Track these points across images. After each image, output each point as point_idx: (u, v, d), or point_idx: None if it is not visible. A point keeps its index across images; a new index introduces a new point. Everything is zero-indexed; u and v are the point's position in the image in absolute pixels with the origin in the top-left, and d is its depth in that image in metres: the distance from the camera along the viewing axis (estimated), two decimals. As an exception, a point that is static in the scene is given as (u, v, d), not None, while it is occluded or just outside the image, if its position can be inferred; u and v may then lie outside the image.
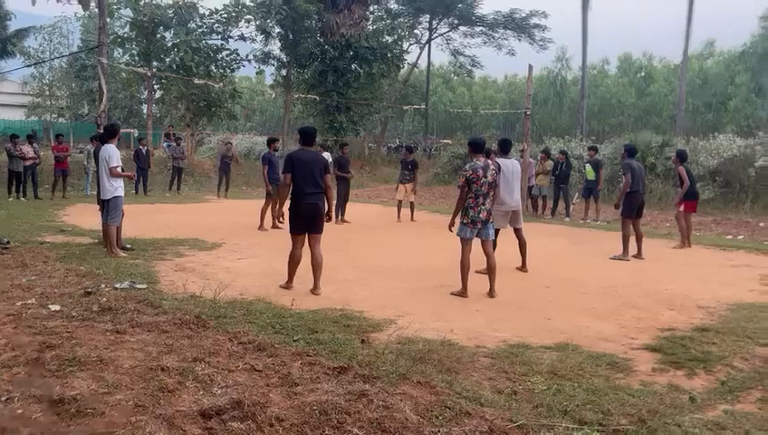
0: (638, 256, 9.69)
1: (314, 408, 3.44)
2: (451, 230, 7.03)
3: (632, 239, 9.70)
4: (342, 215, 13.44)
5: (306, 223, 6.59)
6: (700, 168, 18.57)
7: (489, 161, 6.97)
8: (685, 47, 32.03)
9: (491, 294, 6.82)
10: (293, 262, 6.74)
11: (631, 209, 9.76)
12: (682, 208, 10.97)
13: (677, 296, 6.95)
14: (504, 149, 8.24)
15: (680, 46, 32.40)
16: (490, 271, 6.93)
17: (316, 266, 6.68)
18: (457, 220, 6.92)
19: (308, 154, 6.66)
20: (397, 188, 14.41)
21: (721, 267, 9.17)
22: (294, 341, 4.75)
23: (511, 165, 8.10)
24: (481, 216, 6.73)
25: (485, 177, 6.68)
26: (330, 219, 6.79)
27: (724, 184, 17.99)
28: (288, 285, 6.76)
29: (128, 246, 8.79)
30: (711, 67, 52.53)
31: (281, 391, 3.71)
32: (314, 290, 6.63)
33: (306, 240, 6.70)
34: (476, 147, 6.91)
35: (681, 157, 10.99)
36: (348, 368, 4.13)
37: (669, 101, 48.39)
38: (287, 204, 6.87)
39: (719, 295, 7.01)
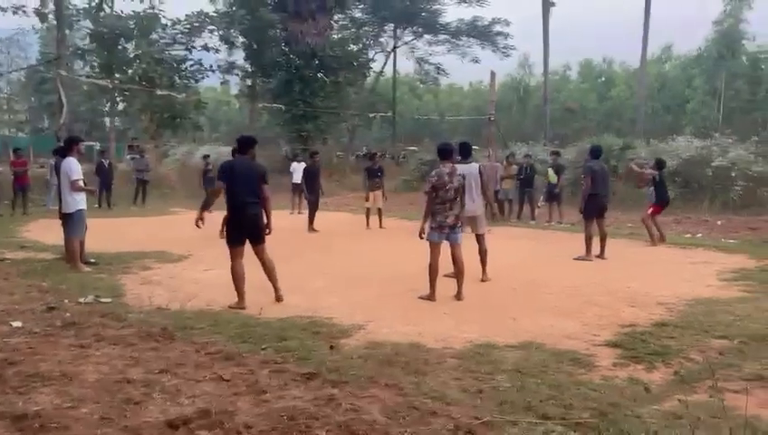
0: (601, 255, 9.90)
1: (282, 414, 3.47)
2: (421, 238, 6.99)
3: (595, 239, 9.91)
4: (311, 223, 13.46)
5: (248, 234, 6.38)
6: (660, 169, 19.07)
7: (455, 167, 6.97)
8: (643, 52, 32.87)
9: (458, 296, 6.88)
10: (237, 277, 6.31)
11: (593, 211, 9.91)
12: (650, 211, 11.75)
13: (638, 293, 7.15)
14: (465, 153, 7.92)
15: (639, 51, 33.26)
16: (458, 274, 6.98)
17: (270, 273, 6.57)
18: (426, 226, 6.94)
19: (244, 163, 6.46)
20: (367, 197, 14.26)
21: (680, 265, 9.44)
22: (262, 349, 4.75)
23: (471, 169, 7.84)
24: (448, 220, 6.78)
25: (452, 182, 6.75)
26: (269, 232, 6.56)
27: (684, 184, 18.51)
28: (240, 305, 6.28)
29: (92, 260, 8.65)
30: (669, 71, 54.05)
31: (249, 399, 3.72)
32: (277, 295, 6.57)
33: (254, 252, 6.49)
34: (443, 153, 6.94)
35: (659, 165, 12.04)
36: (316, 374, 4.16)
37: (630, 104, 49.53)
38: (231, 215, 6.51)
39: (678, 292, 7.22)
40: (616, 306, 6.53)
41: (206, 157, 19.70)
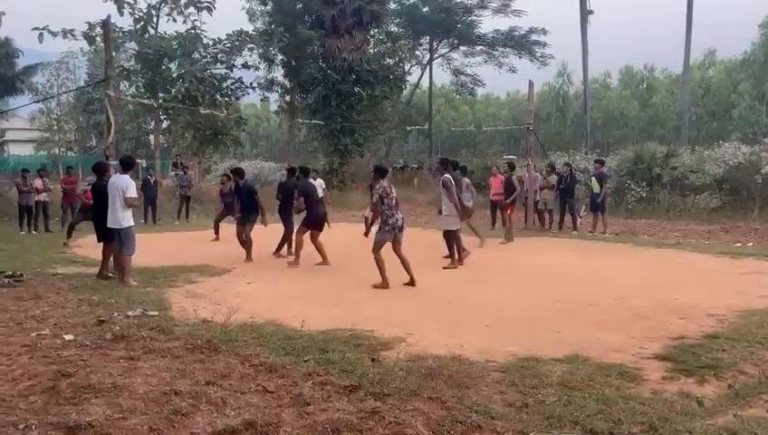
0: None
1: (326, 426, 3.48)
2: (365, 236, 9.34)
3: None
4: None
5: None
6: (706, 176, 18.59)
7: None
8: (685, 57, 32.14)
9: (412, 283, 8.34)
10: None
11: (314, 225, 10.50)
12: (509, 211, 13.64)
13: (687, 305, 6.95)
14: (380, 174, 8.89)
15: (681, 56, 32.50)
16: (407, 266, 8.44)
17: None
18: (375, 229, 8.71)
19: None
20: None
21: (730, 275, 9.14)
22: (305, 361, 4.79)
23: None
24: (399, 223, 8.44)
25: (392, 192, 8.50)
26: None
27: (732, 192, 18.00)
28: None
29: (110, 274, 8.84)
30: (713, 76, 52.70)
31: (293, 411, 3.75)
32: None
33: None
34: (380, 171, 8.85)
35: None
36: (359, 386, 4.16)
37: (672, 111, 48.45)
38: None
39: (729, 303, 6.99)
40: (664, 318, 6.36)
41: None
